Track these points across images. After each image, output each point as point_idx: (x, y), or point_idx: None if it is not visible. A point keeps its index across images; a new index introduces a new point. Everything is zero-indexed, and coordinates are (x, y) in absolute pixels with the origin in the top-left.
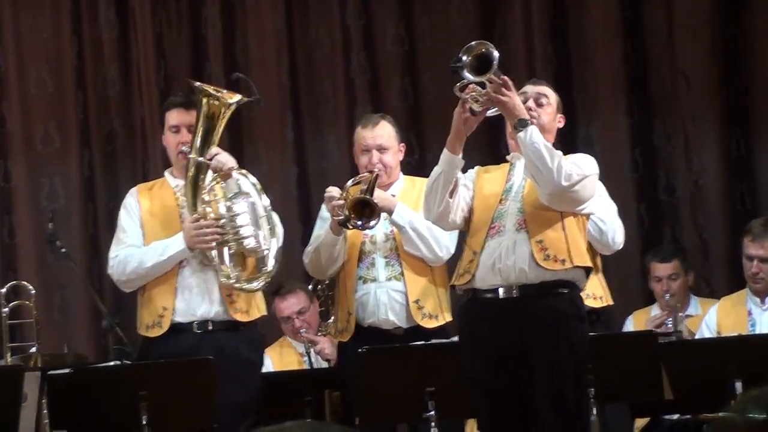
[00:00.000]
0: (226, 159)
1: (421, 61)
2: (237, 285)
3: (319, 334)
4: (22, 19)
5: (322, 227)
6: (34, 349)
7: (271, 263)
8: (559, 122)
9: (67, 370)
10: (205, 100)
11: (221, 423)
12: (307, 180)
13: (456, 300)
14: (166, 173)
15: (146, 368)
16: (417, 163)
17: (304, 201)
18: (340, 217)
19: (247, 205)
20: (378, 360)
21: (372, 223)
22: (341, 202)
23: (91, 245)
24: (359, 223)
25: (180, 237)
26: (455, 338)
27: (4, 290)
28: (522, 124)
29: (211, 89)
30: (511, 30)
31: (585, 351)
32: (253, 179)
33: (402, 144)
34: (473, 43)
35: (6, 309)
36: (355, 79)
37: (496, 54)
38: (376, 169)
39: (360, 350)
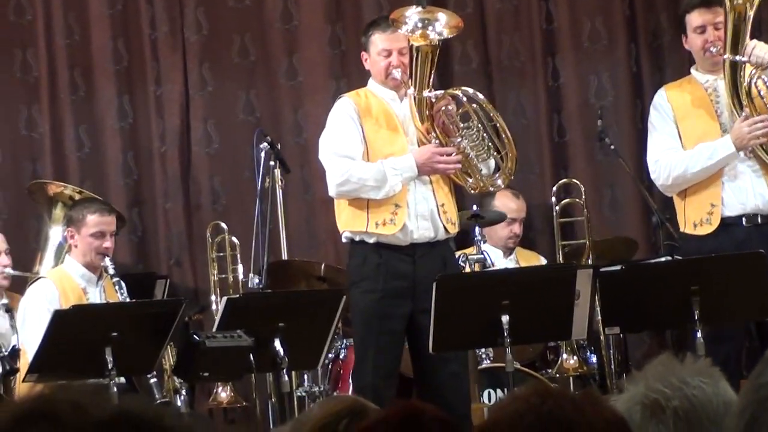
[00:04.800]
0: (763, 52)
1: None
2: None
3: None
4: None
5: None
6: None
7: None
8: None
9: (617, 267)
10: (728, 1)
11: None
12: None
13: None
14: (692, 70)
15: (698, 263)
16: None
17: None
18: None
19: None
20: None
21: None
22: None
23: (640, 141)
24: None
25: (727, 140)
26: None
27: (555, 188)
28: None
29: None
30: None
31: None
32: None
33: None
34: None
35: (557, 207)
36: None
37: None
38: None
39: None
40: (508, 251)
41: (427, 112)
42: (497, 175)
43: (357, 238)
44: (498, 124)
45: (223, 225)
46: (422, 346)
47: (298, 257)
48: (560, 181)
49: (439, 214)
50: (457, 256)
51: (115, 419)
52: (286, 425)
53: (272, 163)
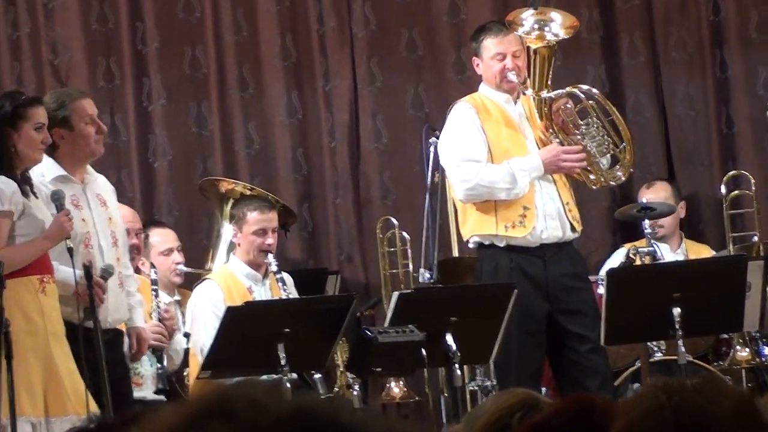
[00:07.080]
0: None
1: None
2: None
3: None
4: None
5: None
6: (755, 239)
7: None
8: None
9: None
10: None
11: None
12: None
13: None
14: None
15: None
16: None
17: None
18: None
19: None
20: None
21: None
22: None
23: None
24: None
25: None
26: None
27: (724, 180)
28: None
29: None
30: None
31: None
32: None
33: None
34: None
35: (726, 198)
36: None
37: None
38: None
39: None
40: (676, 245)
41: (546, 111)
42: (617, 167)
43: (487, 242)
44: (614, 118)
45: (394, 220)
46: (566, 347)
47: (468, 252)
48: (729, 173)
49: (565, 212)
50: (626, 249)
51: (292, 416)
52: (460, 422)
53: None
